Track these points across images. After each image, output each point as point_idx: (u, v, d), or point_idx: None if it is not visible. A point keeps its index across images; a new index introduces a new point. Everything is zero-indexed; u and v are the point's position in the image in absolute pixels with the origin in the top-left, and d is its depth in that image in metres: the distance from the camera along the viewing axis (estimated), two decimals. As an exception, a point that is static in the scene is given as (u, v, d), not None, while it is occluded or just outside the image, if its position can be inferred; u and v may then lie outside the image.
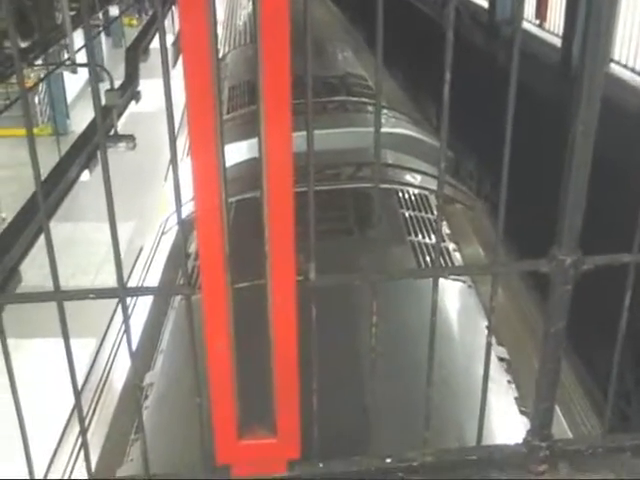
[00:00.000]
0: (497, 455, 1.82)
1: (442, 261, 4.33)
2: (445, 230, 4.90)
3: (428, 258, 4.26)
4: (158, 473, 1.71)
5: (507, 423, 3.11)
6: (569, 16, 8.63)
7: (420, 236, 4.61)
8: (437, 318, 1.60)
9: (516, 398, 3.36)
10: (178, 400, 3.26)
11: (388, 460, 1.75)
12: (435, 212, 5.10)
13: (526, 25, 10.69)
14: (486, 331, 1.70)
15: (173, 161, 1.34)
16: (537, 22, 10.37)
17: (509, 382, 3.48)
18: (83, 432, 1.58)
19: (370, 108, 7.38)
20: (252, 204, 1.40)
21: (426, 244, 4.45)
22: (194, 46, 1.23)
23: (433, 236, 4.62)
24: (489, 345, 1.62)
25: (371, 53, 11.12)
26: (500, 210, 1.52)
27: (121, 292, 1.42)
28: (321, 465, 1.72)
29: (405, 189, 5.39)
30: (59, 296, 1.45)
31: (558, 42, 9.21)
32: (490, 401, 3.22)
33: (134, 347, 4.26)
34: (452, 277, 4.02)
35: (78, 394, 1.55)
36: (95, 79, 1.34)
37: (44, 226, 1.50)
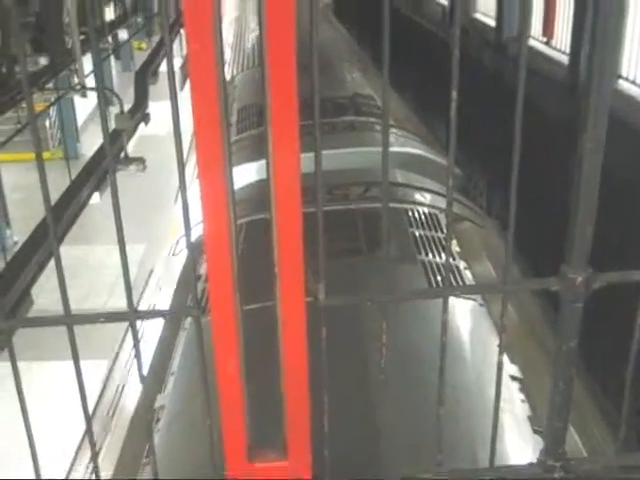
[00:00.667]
0: (511, 476, 1.80)
1: (453, 280, 4.29)
2: (455, 248, 4.89)
3: (439, 277, 4.21)
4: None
5: (520, 443, 3.08)
6: (576, 33, 8.65)
7: (430, 255, 4.59)
8: (448, 337, 1.59)
9: (529, 417, 3.33)
10: (189, 422, 3.25)
11: (401, 481, 1.73)
12: (446, 231, 5.02)
13: (533, 43, 10.71)
14: (498, 350, 1.70)
15: (181, 184, 1.34)
16: (544, 39, 10.40)
17: (522, 401, 3.45)
18: (94, 456, 1.57)
19: (379, 127, 7.40)
20: (262, 225, 1.40)
21: (436, 263, 4.43)
22: (202, 70, 1.24)
23: (444, 255, 4.58)
24: (500, 364, 1.61)
25: (379, 73, 11.16)
26: (509, 229, 1.51)
27: (131, 315, 1.42)
28: (333, 487, 1.71)
29: (415, 208, 5.39)
30: (69, 320, 1.45)
31: (565, 59, 9.22)
32: (503, 421, 3.20)
33: (146, 369, 4.26)
34: (463, 296, 4.01)
35: (89, 417, 1.55)
36: (104, 103, 1.34)
37: (54, 250, 1.50)
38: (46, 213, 1.39)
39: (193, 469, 2.83)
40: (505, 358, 3.65)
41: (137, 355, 1.51)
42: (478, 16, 13.46)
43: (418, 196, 5.84)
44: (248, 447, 1.61)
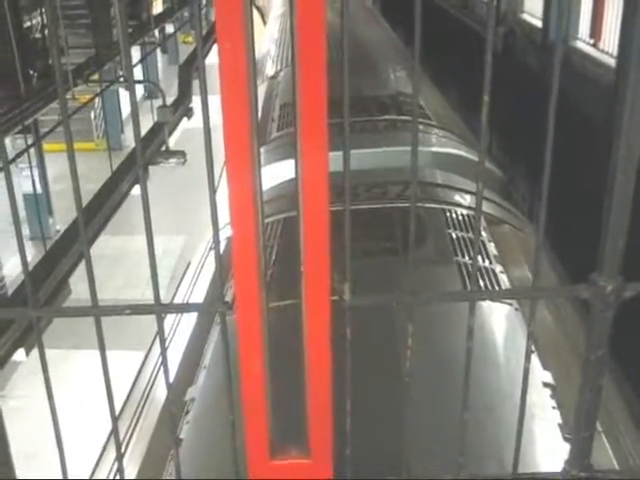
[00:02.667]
0: (535, 484, 1.78)
1: (488, 283, 4.28)
2: (493, 251, 4.84)
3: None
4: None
5: (549, 450, 3.05)
6: (624, 35, 8.50)
7: (467, 257, 4.55)
8: (481, 341, 1.57)
9: (560, 424, 3.29)
10: (218, 417, 3.27)
11: (422, 483, 1.72)
12: (484, 233, 5.04)
13: (580, 45, 10.56)
14: (531, 355, 1.67)
15: (210, 185, 1.35)
16: (591, 41, 10.24)
17: (553, 408, 3.41)
18: (118, 448, 1.59)
19: (421, 127, 7.32)
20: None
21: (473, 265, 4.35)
22: (232, 69, 1.24)
23: (480, 257, 4.55)
24: (526, 371, 1.59)
25: (425, 72, 11.10)
26: (539, 232, 1.49)
27: (156, 308, 1.43)
28: (354, 487, 1.70)
29: (453, 209, 5.35)
30: (96, 311, 1.46)
31: (613, 62, 9.09)
32: (533, 427, 3.16)
33: (177, 362, 4.28)
34: (498, 300, 3.95)
35: (114, 410, 1.57)
36: (133, 93, 1.35)
37: (83, 243, 1.52)
38: (76, 208, 1.40)
39: (218, 463, 2.85)
40: (538, 364, 3.60)
41: (162, 348, 1.52)
42: (525, 17, 13.32)
43: (457, 197, 5.80)
44: (270, 444, 1.61)
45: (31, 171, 13.99)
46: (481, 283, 4.19)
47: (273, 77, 10.85)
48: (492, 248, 4.88)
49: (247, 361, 1.51)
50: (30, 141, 11.88)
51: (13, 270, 13.90)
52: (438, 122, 8.08)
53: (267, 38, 15.07)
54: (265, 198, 1.45)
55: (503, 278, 4.48)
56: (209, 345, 4.11)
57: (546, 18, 11.10)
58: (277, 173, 5.76)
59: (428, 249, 4.66)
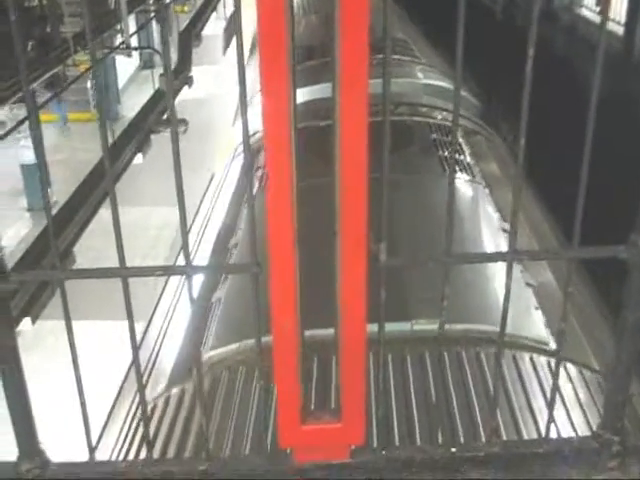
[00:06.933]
0: (566, 448, 1.75)
1: (465, 171, 5.89)
2: (467, 150, 6.46)
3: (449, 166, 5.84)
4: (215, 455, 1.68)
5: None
6: (632, 2, 8.40)
7: (446, 152, 6.22)
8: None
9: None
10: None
11: (453, 450, 1.69)
12: (461, 139, 6.72)
13: (587, 13, 10.45)
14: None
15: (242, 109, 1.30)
16: (597, 10, 10.12)
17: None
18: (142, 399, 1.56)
19: (413, 65, 9.28)
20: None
21: (446, 157, 6.08)
22: None
23: (458, 154, 6.25)
24: (557, 357, 1.56)
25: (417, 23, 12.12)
26: (580, 192, 1.45)
27: (188, 269, 1.39)
28: (384, 452, 1.67)
29: (435, 122, 7.02)
30: (125, 272, 1.42)
31: (620, 30, 8.98)
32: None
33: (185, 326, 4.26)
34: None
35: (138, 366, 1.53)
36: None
37: (112, 205, 1.48)
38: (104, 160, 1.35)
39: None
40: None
41: (193, 309, 1.48)
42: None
43: (437, 114, 7.48)
44: (301, 408, 1.58)
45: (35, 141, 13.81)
46: (458, 170, 5.72)
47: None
48: (467, 148, 6.55)
49: (279, 322, 1.47)
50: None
51: (9, 242, 13.85)
52: (427, 61, 9.72)
53: None
54: None
55: (476, 169, 6.05)
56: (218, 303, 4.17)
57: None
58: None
59: (416, 147, 6.39)
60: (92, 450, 1.64)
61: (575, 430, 2.74)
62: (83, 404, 1.60)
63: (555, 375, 1.76)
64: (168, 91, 1.38)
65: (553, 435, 1.81)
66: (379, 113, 1.36)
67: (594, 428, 1.74)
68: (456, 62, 1.39)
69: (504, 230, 4.83)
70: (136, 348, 1.55)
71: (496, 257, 1.55)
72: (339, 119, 1.28)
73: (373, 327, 1.47)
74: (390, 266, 1.43)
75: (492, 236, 4.93)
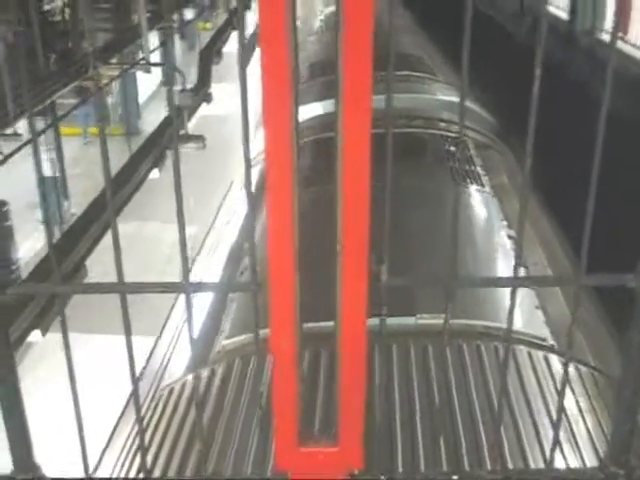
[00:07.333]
0: (571, 477, 1.71)
1: (475, 183, 6.10)
2: (479, 163, 6.71)
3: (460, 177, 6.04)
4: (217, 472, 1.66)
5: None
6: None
7: (456, 163, 6.57)
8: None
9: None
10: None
11: (454, 477, 1.66)
12: (472, 151, 7.01)
13: (606, 37, 10.42)
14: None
15: (248, 193, 1.28)
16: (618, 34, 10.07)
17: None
18: (139, 421, 1.54)
19: (430, 82, 9.50)
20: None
21: (456, 168, 6.29)
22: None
23: (468, 165, 6.55)
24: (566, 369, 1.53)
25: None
26: (586, 223, 1.43)
27: (187, 287, 1.37)
28: (383, 477, 1.65)
29: (449, 134, 7.27)
30: (123, 288, 1.41)
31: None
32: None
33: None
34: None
35: (137, 389, 1.51)
36: (171, 80, 1.29)
37: (111, 220, 1.46)
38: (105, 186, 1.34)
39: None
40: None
41: (190, 328, 1.46)
42: (551, 9, 13.16)
43: (453, 127, 7.65)
44: (298, 431, 1.55)
45: (56, 154, 13.92)
46: (468, 182, 5.96)
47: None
48: (478, 161, 6.78)
49: (278, 343, 1.45)
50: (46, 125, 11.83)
51: (26, 254, 13.90)
52: (444, 79, 9.88)
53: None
54: None
55: (486, 180, 6.29)
56: (225, 323, 4.14)
57: (573, 9, 10.99)
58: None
59: (428, 158, 6.76)
60: (87, 467, 1.63)
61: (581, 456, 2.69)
62: (80, 422, 1.58)
63: (560, 398, 1.72)
64: (171, 108, 1.38)
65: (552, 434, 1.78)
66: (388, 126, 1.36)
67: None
68: (462, 74, 1.38)
69: (509, 236, 5.03)
70: (132, 358, 1.53)
71: (502, 282, 1.52)
72: (342, 137, 1.27)
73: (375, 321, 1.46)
74: (392, 286, 1.40)
75: (501, 248, 5.12)
